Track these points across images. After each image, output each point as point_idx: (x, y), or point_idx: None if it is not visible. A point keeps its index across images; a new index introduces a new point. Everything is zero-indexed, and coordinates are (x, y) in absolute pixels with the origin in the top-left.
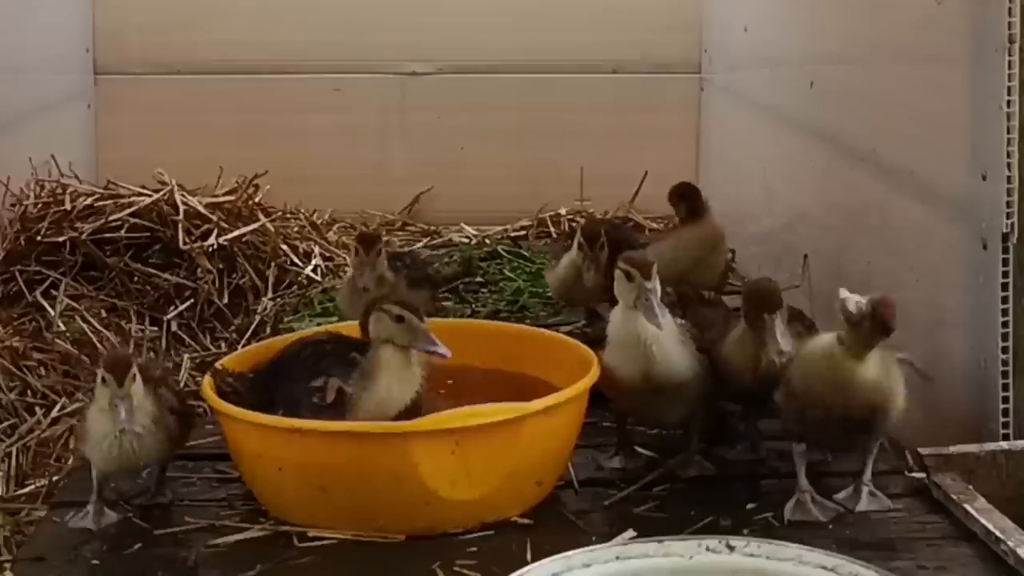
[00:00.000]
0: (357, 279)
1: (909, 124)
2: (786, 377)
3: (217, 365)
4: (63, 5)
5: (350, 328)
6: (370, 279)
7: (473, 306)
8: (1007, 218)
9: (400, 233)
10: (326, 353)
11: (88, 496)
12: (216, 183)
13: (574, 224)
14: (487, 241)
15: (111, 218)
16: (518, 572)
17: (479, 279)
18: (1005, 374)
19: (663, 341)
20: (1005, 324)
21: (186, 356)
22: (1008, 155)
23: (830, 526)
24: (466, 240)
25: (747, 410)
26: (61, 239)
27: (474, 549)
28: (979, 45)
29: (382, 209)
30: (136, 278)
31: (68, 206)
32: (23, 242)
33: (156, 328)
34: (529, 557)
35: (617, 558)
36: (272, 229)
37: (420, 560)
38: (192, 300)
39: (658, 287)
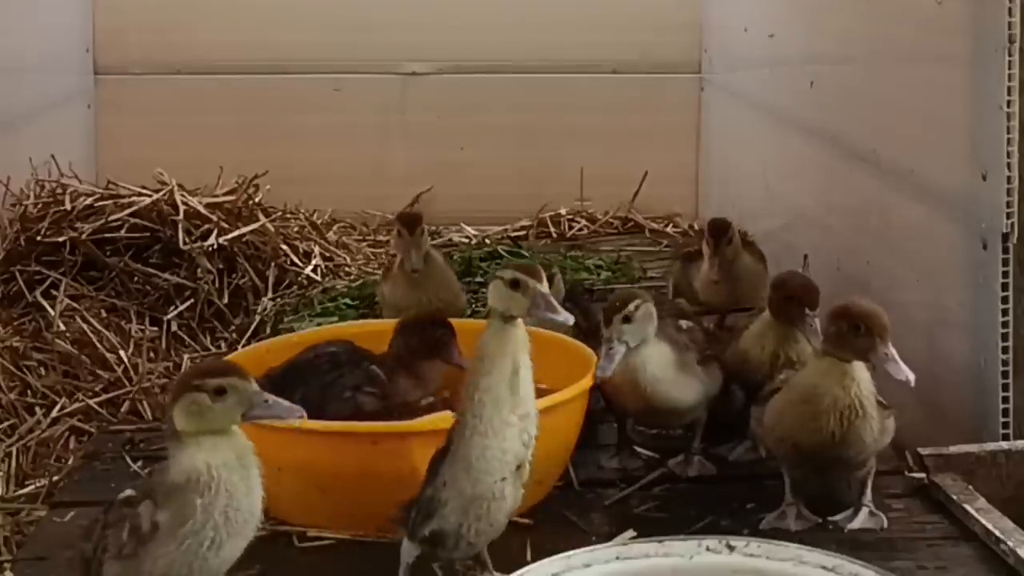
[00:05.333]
0: (406, 261)
1: (909, 124)
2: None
3: None
4: (63, 5)
5: (350, 329)
6: (419, 260)
7: (473, 306)
8: (1007, 218)
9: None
10: (341, 362)
11: (88, 496)
12: (216, 183)
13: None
14: (487, 241)
15: (111, 218)
16: (518, 572)
17: (479, 279)
18: (1005, 374)
19: (651, 370)
20: (1005, 324)
21: (186, 356)
22: (1008, 155)
23: (830, 527)
24: (466, 240)
25: (747, 410)
26: (61, 239)
27: None
28: (979, 45)
29: (382, 209)
30: (136, 278)
31: (68, 206)
32: (23, 242)
33: (156, 328)
34: (529, 557)
35: (617, 558)
36: (272, 229)
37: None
38: (192, 300)
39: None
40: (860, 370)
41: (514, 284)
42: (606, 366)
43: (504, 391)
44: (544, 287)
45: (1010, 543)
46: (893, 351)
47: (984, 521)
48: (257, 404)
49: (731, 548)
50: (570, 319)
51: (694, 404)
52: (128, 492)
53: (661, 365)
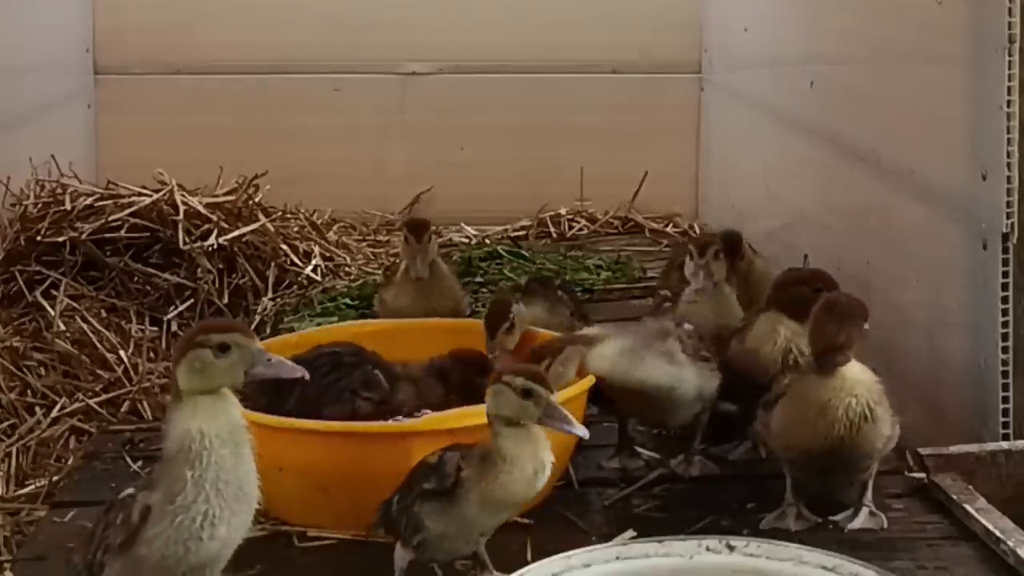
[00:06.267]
0: (411, 269)
1: (909, 124)
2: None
3: None
4: (63, 5)
5: (349, 328)
6: (424, 268)
7: (473, 306)
8: (1007, 218)
9: (400, 233)
10: (342, 363)
11: (88, 496)
12: (216, 183)
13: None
14: (487, 241)
15: (111, 218)
16: (518, 572)
17: (479, 279)
18: (1005, 374)
19: (610, 355)
20: (1005, 324)
21: None
22: (1008, 155)
23: (830, 527)
24: (466, 240)
25: (746, 410)
26: (61, 239)
27: None
28: (979, 45)
29: (382, 209)
30: (136, 278)
31: (68, 206)
32: (23, 242)
33: (156, 328)
34: (529, 557)
35: (617, 558)
36: (272, 229)
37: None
38: (192, 300)
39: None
40: (866, 375)
41: (526, 393)
42: None
43: (521, 490)
44: (555, 397)
45: (1010, 543)
46: None
47: (984, 521)
48: (260, 362)
49: (731, 548)
50: (586, 433)
51: (673, 387)
52: (129, 491)
53: (605, 350)
